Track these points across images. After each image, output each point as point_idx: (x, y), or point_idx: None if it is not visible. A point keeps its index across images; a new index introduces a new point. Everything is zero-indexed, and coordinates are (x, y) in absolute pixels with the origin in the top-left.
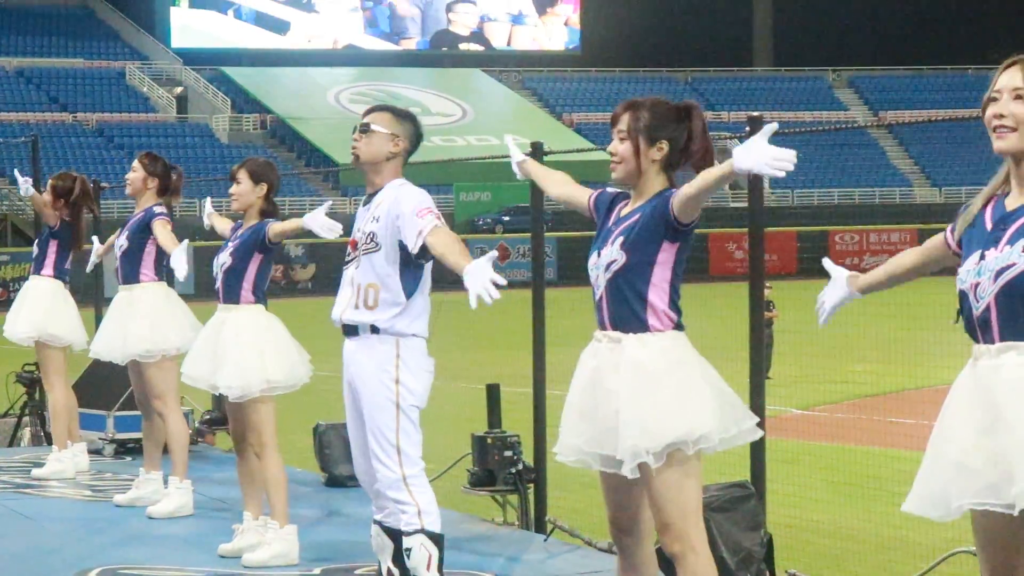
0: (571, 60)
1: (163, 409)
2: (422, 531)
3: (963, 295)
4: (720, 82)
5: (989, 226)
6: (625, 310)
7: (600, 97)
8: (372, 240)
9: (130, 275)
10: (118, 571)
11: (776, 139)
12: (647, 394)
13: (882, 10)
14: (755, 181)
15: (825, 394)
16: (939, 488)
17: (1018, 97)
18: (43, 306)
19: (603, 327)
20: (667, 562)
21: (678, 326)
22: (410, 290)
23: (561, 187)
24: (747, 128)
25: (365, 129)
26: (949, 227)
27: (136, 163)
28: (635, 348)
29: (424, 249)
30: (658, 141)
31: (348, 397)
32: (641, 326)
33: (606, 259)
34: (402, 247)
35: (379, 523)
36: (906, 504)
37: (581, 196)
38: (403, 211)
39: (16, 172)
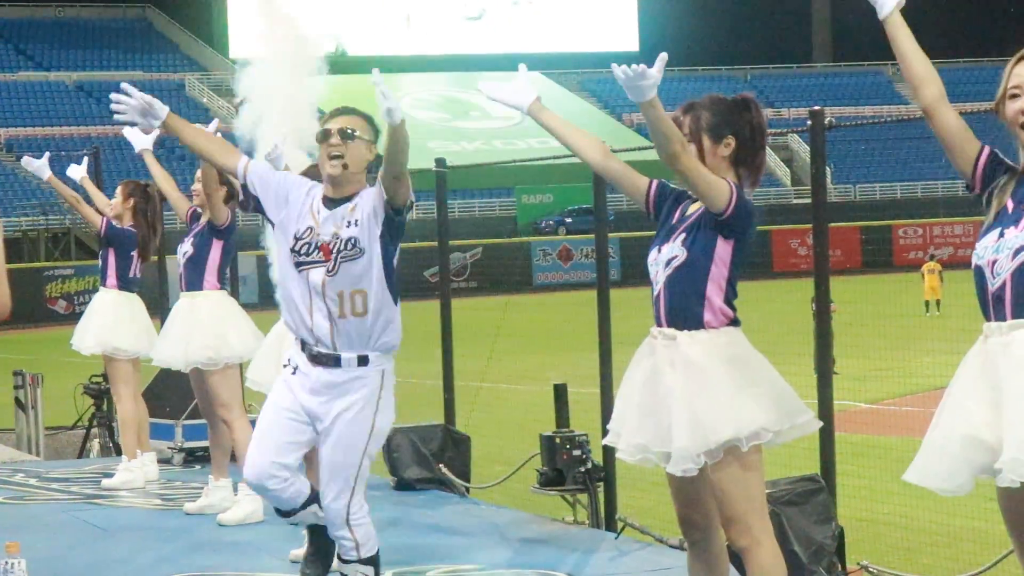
0: (629, 61)
1: (228, 416)
2: (359, 561)
3: (979, 271)
4: (780, 79)
5: (1011, 206)
6: (682, 305)
7: (660, 97)
8: (354, 246)
9: (193, 282)
10: None
11: (838, 133)
12: (700, 393)
13: (940, 3)
14: (818, 176)
15: (893, 387)
16: (948, 462)
17: None
18: (108, 319)
19: (659, 323)
20: (738, 556)
21: (733, 322)
22: (395, 293)
23: (605, 156)
24: (808, 122)
25: (350, 135)
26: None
27: (200, 173)
28: (688, 345)
29: (405, 198)
30: (724, 138)
31: (294, 408)
32: (696, 322)
33: (667, 255)
34: (386, 238)
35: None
36: (908, 474)
37: (639, 181)
38: (371, 196)
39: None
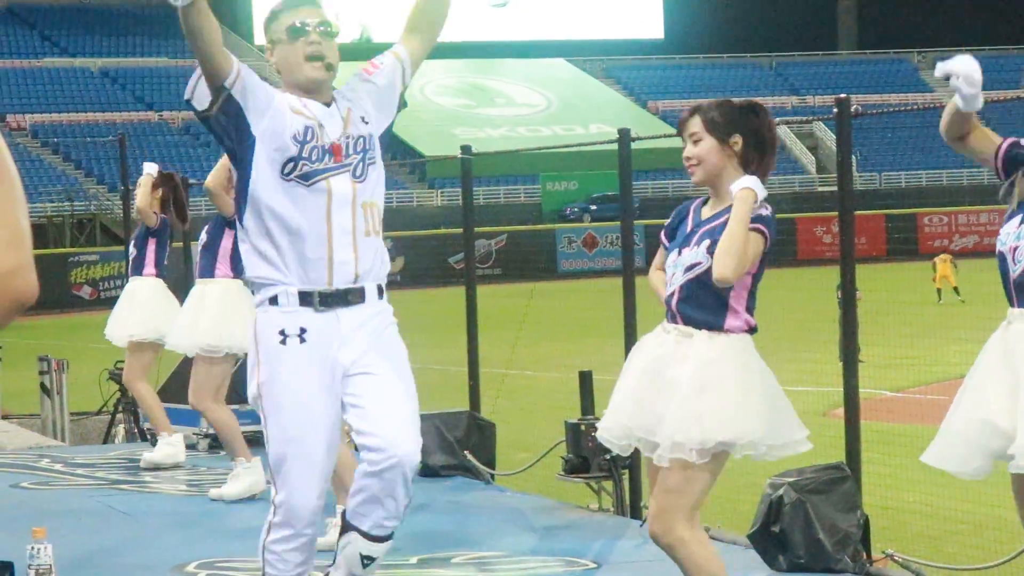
0: (654, 48)
1: (199, 404)
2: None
3: (1002, 257)
4: (805, 66)
5: None
6: (703, 311)
7: (685, 84)
8: (372, 146)
9: (206, 269)
10: (216, 564)
11: (863, 120)
12: (709, 390)
13: None
14: (844, 164)
15: (919, 375)
16: (964, 445)
17: None
18: (150, 307)
19: (674, 322)
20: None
21: (752, 330)
22: None
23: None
24: (835, 110)
25: (332, 32)
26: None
27: (221, 162)
28: (705, 344)
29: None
30: (732, 136)
31: (324, 395)
32: (717, 326)
33: (688, 259)
34: (388, 131)
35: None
36: (926, 455)
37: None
38: (375, 84)
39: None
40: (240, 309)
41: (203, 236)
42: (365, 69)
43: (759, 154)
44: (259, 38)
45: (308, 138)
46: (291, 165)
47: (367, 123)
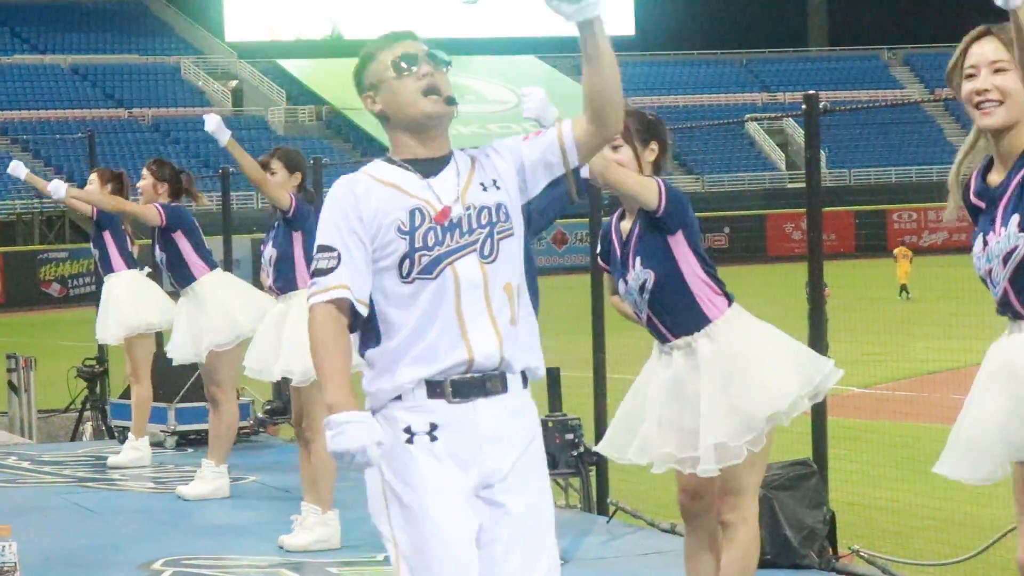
0: (625, 45)
1: (221, 397)
2: None
3: (983, 281)
4: (775, 63)
5: (981, 204)
6: (680, 317)
7: (655, 81)
8: (504, 216)
9: (181, 278)
10: (182, 561)
11: (833, 117)
12: (734, 384)
13: None
14: (812, 161)
15: (886, 372)
16: (974, 451)
17: (998, 70)
18: (128, 301)
19: (665, 340)
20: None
21: (730, 299)
22: (534, 285)
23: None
24: (803, 107)
25: (444, 60)
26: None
27: (144, 171)
28: (707, 345)
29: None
30: (650, 143)
31: (462, 503)
32: (703, 320)
33: (636, 282)
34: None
35: None
36: (939, 467)
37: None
38: (519, 148)
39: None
40: (232, 295)
41: (159, 253)
42: (526, 136)
43: (664, 159)
44: (231, 35)
45: (417, 223)
46: (408, 264)
47: (499, 189)
